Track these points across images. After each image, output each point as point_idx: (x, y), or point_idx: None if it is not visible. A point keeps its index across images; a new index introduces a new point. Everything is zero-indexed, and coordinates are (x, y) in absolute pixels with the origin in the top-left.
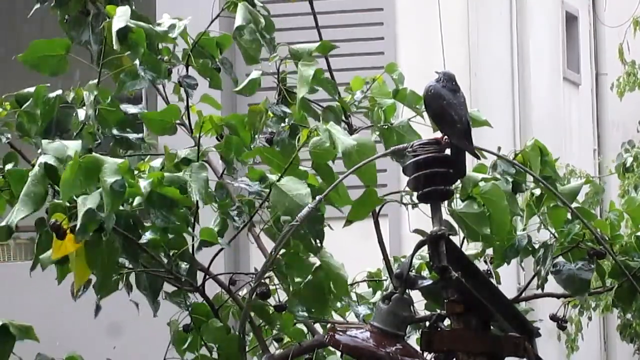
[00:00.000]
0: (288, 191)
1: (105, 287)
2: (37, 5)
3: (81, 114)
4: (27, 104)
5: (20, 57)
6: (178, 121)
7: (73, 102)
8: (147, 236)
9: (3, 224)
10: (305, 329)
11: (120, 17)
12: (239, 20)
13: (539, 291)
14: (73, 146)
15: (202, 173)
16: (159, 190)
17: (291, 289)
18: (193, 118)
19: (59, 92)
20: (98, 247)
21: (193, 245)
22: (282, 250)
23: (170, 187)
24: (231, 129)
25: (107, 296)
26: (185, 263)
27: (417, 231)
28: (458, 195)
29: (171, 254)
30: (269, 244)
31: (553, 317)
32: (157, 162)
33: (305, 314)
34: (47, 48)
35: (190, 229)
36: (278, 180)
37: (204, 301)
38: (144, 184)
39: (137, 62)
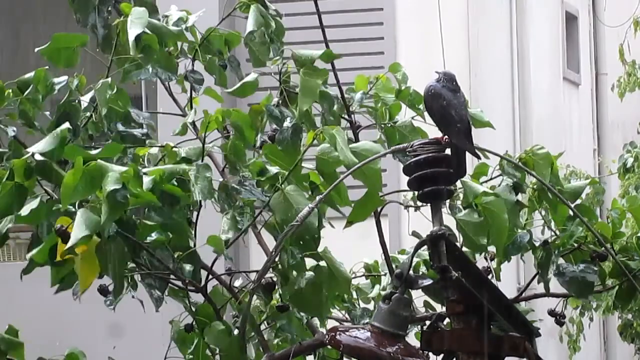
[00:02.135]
0: (295, 203)
1: (120, 290)
2: None
3: (85, 100)
4: (29, 90)
5: (41, 50)
6: (181, 113)
7: (76, 89)
8: (153, 236)
9: None
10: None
11: (137, 20)
12: (250, 24)
13: (539, 291)
14: (63, 127)
15: (206, 173)
16: (161, 187)
17: (291, 287)
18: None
19: (65, 77)
20: (108, 252)
21: (195, 246)
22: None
23: (172, 185)
24: (236, 129)
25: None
26: (190, 265)
27: (414, 234)
28: (460, 202)
29: (176, 255)
30: (270, 242)
31: (551, 313)
32: (154, 150)
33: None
34: (66, 41)
35: (191, 229)
36: (282, 184)
37: (206, 301)
38: (146, 181)
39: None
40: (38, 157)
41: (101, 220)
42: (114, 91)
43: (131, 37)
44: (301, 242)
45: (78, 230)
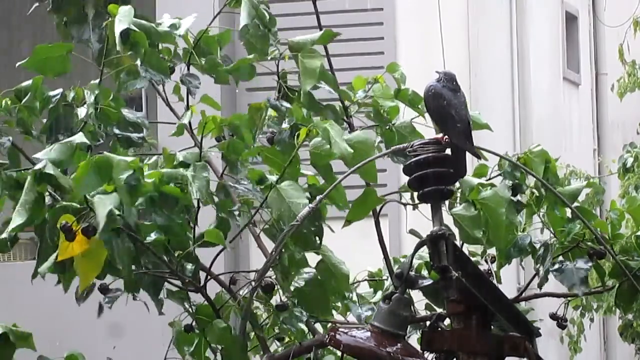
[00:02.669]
0: (286, 197)
1: (132, 284)
2: (36, 4)
3: (81, 112)
4: (26, 98)
5: (23, 64)
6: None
7: (73, 101)
8: (152, 236)
9: (3, 235)
10: (305, 329)
11: (123, 18)
12: (244, 17)
13: (539, 291)
14: (78, 139)
15: (203, 173)
16: (160, 188)
17: (291, 286)
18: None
19: (60, 90)
20: (116, 247)
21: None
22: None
23: (171, 186)
24: (234, 129)
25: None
26: (190, 264)
27: (412, 232)
28: (458, 199)
29: (176, 254)
30: (269, 244)
31: (553, 316)
32: (152, 159)
33: (306, 313)
34: (50, 52)
35: (190, 229)
36: (278, 182)
37: (206, 301)
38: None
39: (138, 61)
40: (49, 169)
41: (124, 207)
42: (109, 97)
43: (117, 32)
44: (301, 239)
45: (102, 209)
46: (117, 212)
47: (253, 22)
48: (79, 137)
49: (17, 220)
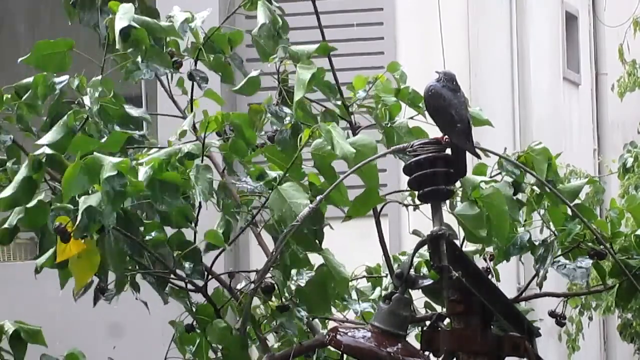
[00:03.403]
0: (287, 197)
1: (122, 285)
2: None
3: (85, 101)
4: (27, 95)
5: (24, 60)
6: (180, 115)
7: (77, 89)
8: (152, 235)
9: (5, 226)
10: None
11: (123, 15)
12: (261, 17)
13: (539, 291)
14: (66, 116)
15: (206, 174)
16: (160, 176)
17: (292, 286)
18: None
19: (67, 77)
20: (108, 248)
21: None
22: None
23: (170, 172)
24: (236, 128)
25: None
26: (189, 263)
27: (415, 232)
28: (459, 197)
29: (175, 254)
30: (270, 242)
31: (552, 314)
32: (154, 151)
33: (306, 313)
34: (50, 48)
35: (193, 216)
36: (280, 183)
37: (206, 301)
38: (144, 169)
39: (139, 59)
40: (48, 150)
41: (102, 209)
42: (110, 93)
43: (116, 31)
44: (302, 240)
45: (84, 217)
46: (98, 209)
47: (266, 26)
48: (69, 115)
49: (6, 192)
